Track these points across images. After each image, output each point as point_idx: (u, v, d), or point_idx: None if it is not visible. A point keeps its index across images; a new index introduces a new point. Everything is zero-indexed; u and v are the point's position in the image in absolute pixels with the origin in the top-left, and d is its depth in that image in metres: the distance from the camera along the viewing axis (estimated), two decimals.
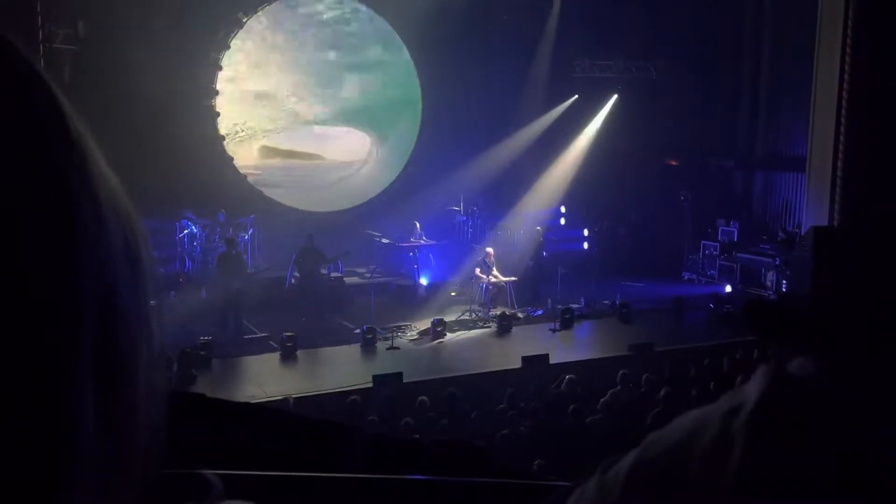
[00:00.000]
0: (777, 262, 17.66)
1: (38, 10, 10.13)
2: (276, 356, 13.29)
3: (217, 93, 18.34)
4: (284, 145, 19.56)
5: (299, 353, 13.27)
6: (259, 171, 19.22)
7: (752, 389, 0.62)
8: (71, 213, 0.46)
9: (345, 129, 20.21)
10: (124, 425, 0.49)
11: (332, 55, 19.86)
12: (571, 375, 11.25)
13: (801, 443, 0.58)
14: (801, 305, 0.72)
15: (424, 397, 10.30)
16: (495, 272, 16.04)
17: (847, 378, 0.61)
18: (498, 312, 15.52)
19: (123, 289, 0.49)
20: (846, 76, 9.44)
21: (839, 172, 9.29)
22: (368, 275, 16.36)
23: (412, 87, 20.53)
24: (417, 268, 17.24)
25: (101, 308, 0.47)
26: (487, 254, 16.19)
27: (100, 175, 0.49)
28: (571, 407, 9.84)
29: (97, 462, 0.46)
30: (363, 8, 19.77)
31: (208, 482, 0.60)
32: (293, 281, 15.93)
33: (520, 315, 15.90)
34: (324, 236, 16.12)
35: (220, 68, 18.31)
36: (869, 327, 0.65)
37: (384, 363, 13.00)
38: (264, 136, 19.33)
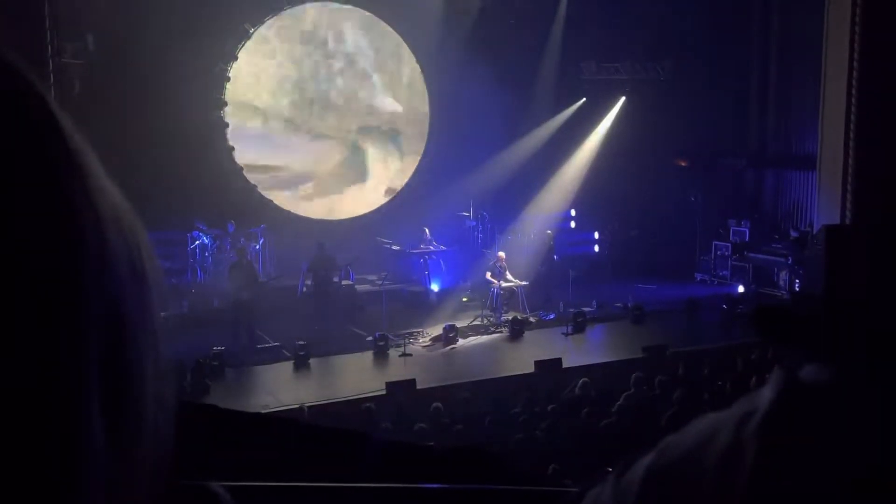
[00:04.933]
0: (789, 262, 17.58)
1: (48, 25, 10.20)
2: (289, 365, 13.31)
3: (225, 103, 18.43)
4: (287, 153, 19.58)
5: (312, 361, 13.29)
6: (267, 181, 19.26)
7: (764, 395, 0.62)
8: (72, 229, 0.46)
9: (350, 138, 20.23)
10: (132, 438, 0.49)
11: (338, 63, 19.90)
12: (585, 379, 11.23)
13: (812, 449, 0.58)
14: (812, 309, 0.72)
15: (438, 403, 10.29)
16: (508, 276, 16.03)
17: (859, 383, 0.60)
18: (510, 317, 15.51)
19: (128, 303, 0.49)
20: (855, 73, 9.41)
21: (850, 170, 9.26)
22: (379, 282, 16.37)
23: (420, 94, 20.57)
24: (428, 274, 17.24)
25: (106, 323, 0.47)
26: (499, 258, 16.17)
27: (101, 190, 0.49)
28: (586, 410, 9.82)
29: (105, 475, 0.46)
30: (370, 15, 19.82)
31: (216, 495, 0.60)
32: (305, 289, 15.97)
33: (532, 319, 15.87)
34: (334, 244, 16.17)
35: (228, 79, 18.39)
36: (882, 326, 0.65)
37: (397, 370, 13.01)
38: (269, 146, 19.37)
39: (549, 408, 10.00)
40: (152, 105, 15.56)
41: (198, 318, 14.20)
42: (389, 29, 20.01)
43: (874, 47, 9.18)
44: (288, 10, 18.98)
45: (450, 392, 11.42)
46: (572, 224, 20.58)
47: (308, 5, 19.26)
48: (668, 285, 18.10)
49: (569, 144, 20.46)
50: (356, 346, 14.20)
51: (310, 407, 10.75)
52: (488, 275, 16.02)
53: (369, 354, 13.85)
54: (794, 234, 18.62)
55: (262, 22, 18.68)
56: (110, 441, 0.47)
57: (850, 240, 0.77)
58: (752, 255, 18.96)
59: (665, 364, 12.21)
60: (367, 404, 10.49)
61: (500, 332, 15.26)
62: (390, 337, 14.15)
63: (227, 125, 18.51)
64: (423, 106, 20.64)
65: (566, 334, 15.02)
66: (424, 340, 14.68)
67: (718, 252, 19.80)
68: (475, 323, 15.55)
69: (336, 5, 19.57)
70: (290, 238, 17.33)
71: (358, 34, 20.01)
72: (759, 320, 0.67)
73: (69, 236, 0.45)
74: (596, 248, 20.31)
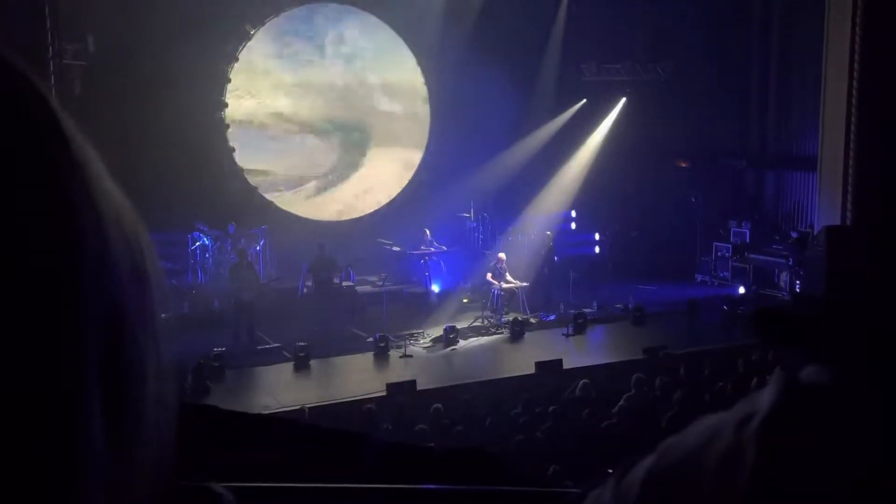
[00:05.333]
0: (790, 263, 17.56)
1: (48, 25, 10.22)
2: (289, 366, 13.31)
3: (226, 105, 18.43)
4: (288, 155, 19.58)
5: (312, 362, 13.28)
6: (267, 182, 19.26)
7: (764, 397, 0.62)
8: (73, 230, 0.46)
9: (351, 139, 20.23)
10: (132, 439, 0.49)
11: (338, 64, 19.91)
12: (586, 380, 11.22)
13: (812, 450, 0.58)
14: (813, 311, 0.72)
15: (439, 404, 10.29)
16: (508, 277, 16.03)
17: (860, 384, 0.60)
18: (510, 318, 15.50)
19: (129, 304, 0.49)
20: (856, 74, 9.41)
21: (850, 171, 9.26)
22: (380, 283, 16.37)
23: (420, 95, 20.57)
24: (429, 275, 17.24)
25: (106, 323, 0.47)
26: (499, 259, 16.17)
27: (102, 191, 0.49)
28: (586, 411, 9.81)
29: (105, 476, 0.46)
30: (370, 16, 19.82)
31: (219, 496, 0.60)
32: (305, 290, 15.97)
33: (532, 320, 15.86)
34: (335, 245, 16.17)
35: (229, 80, 18.39)
36: (883, 327, 0.65)
37: (398, 371, 13.01)
38: (270, 147, 19.37)
39: (550, 409, 9.99)
40: (153, 106, 15.56)
41: (198, 319, 14.20)
42: (390, 30, 20.00)
43: (874, 48, 9.18)
44: (289, 12, 18.98)
45: (450, 393, 11.41)
46: (573, 225, 20.56)
47: (308, 6, 19.27)
48: (668, 286, 18.08)
49: (569, 145, 20.44)
50: (357, 347, 14.20)
51: (310, 408, 10.75)
52: (489, 276, 16.02)
53: (370, 355, 13.84)
54: (794, 234, 18.61)
55: (262, 23, 18.68)
56: (110, 442, 0.47)
57: (850, 241, 0.77)
58: (752, 256, 18.94)
59: (666, 365, 12.20)
60: (368, 405, 10.49)
61: (501, 333, 15.25)
62: (391, 338, 14.15)
63: (227, 126, 18.51)
64: (424, 107, 20.64)
65: (567, 335, 15.01)
66: (425, 341, 14.68)
67: (719, 253, 19.79)
68: (476, 324, 15.54)
69: (336, 6, 19.57)
70: (291, 239, 17.32)
71: (358, 35, 20.00)
72: (759, 322, 0.67)
73: (69, 237, 0.45)
74: (596, 249, 20.29)
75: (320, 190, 19.90)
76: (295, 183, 19.62)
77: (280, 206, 19.18)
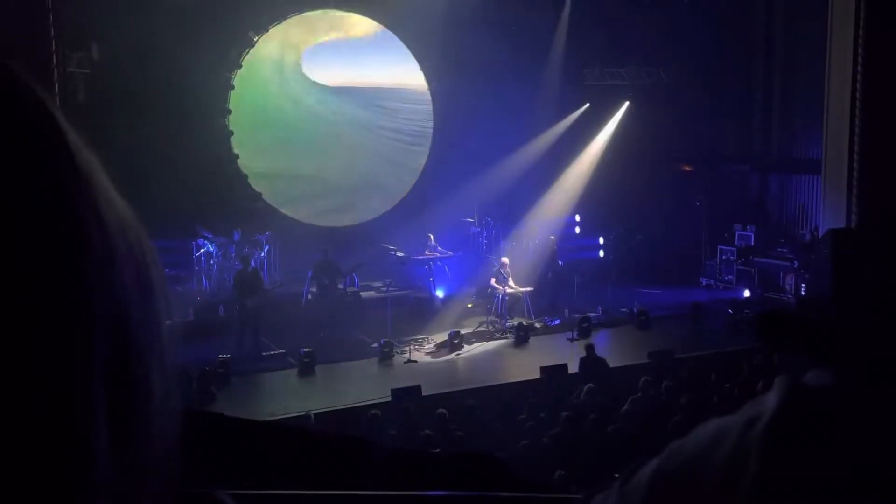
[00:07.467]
0: (795, 266, 17.53)
1: (52, 34, 10.24)
2: (294, 372, 13.32)
3: (230, 112, 18.46)
4: (290, 160, 19.59)
5: (317, 368, 13.29)
6: (269, 188, 19.28)
7: (769, 400, 0.62)
8: (78, 240, 0.46)
9: (350, 142, 20.25)
10: (138, 445, 0.49)
11: (341, 70, 19.94)
12: (591, 384, 11.21)
13: (816, 453, 0.58)
14: (817, 314, 0.72)
15: (444, 410, 10.28)
16: (511, 282, 16.02)
17: (865, 387, 0.60)
18: (515, 323, 15.48)
19: (134, 311, 0.49)
20: (859, 77, 9.40)
21: (855, 174, 9.24)
22: (384, 288, 16.35)
23: (423, 99, 20.59)
24: (433, 280, 17.23)
25: (113, 330, 0.47)
26: (503, 264, 16.17)
27: (107, 201, 0.49)
28: (592, 416, 9.80)
29: (111, 482, 0.46)
30: (372, 23, 19.86)
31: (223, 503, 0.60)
32: (310, 296, 15.98)
33: (537, 325, 15.85)
34: (339, 251, 16.19)
35: (233, 87, 18.43)
36: (888, 330, 0.65)
37: (402, 377, 12.99)
38: (271, 153, 19.39)
39: (555, 414, 9.98)
40: (157, 113, 15.59)
41: (203, 326, 14.20)
42: (392, 35, 20.04)
43: (878, 51, 9.18)
44: (291, 18, 19.02)
45: (455, 398, 11.40)
46: (577, 229, 20.56)
47: (310, 13, 19.30)
48: (673, 290, 18.07)
49: (572, 149, 20.45)
50: (361, 352, 14.19)
51: (316, 414, 10.75)
52: (493, 281, 16.01)
53: (374, 361, 13.84)
54: (807, 237, 18.53)
55: (265, 30, 18.73)
56: (115, 449, 0.47)
57: (855, 244, 0.77)
58: (757, 259, 18.92)
59: (671, 369, 12.19)
60: (373, 411, 10.47)
61: (505, 338, 15.24)
62: (395, 343, 14.14)
63: (231, 133, 18.54)
64: (427, 111, 20.66)
65: (572, 340, 14.99)
66: (429, 347, 14.67)
67: (723, 257, 19.76)
68: (480, 329, 15.53)
69: (339, 13, 19.61)
70: (295, 245, 17.34)
71: (361, 42, 20.04)
72: (763, 325, 0.67)
73: (74, 246, 0.46)
74: (601, 254, 20.28)
75: (323, 196, 19.90)
76: (296, 188, 19.62)
77: (284, 212, 19.19)
